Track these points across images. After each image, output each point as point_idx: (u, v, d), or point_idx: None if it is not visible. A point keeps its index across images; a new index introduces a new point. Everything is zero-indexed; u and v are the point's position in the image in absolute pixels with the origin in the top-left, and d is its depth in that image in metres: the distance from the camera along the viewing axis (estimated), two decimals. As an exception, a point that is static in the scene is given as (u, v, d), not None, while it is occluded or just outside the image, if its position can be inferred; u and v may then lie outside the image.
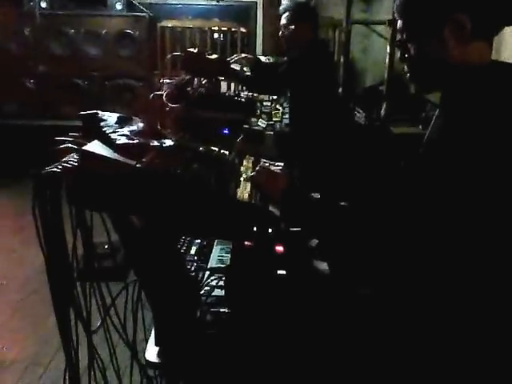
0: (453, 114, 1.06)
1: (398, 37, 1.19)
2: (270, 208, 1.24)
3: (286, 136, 3.02)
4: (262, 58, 3.91)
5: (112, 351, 1.41)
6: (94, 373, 1.31)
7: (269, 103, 3.35)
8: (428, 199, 1.00)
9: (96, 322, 1.31)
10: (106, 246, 2.07)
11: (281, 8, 3.22)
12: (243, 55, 3.27)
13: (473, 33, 1.06)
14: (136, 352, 1.36)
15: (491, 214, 0.97)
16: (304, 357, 1.18)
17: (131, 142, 1.18)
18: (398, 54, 1.22)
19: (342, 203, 1.22)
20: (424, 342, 1.10)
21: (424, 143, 1.16)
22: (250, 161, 1.60)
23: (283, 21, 3.15)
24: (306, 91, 2.88)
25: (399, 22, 1.15)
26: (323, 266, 1.34)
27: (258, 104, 3.19)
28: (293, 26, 3.09)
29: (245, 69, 3.29)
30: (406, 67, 1.18)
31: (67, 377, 1.25)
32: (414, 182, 1.05)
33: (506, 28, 1.10)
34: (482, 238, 0.98)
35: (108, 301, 1.33)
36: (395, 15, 1.17)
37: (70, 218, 1.15)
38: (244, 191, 1.29)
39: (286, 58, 3.58)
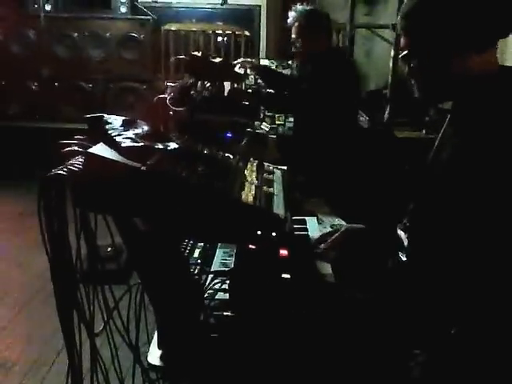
0: (470, 124, 1.07)
1: (404, 51, 1.19)
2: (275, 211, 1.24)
3: (290, 141, 3.00)
4: (266, 62, 3.91)
5: (114, 354, 1.41)
6: (97, 375, 1.31)
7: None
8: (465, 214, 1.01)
9: (99, 325, 1.31)
10: (109, 249, 2.08)
11: (289, 20, 2.96)
12: (248, 59, 3.21)
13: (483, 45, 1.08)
14: (138, 355, 1.36)
15: None
16: (307, 360, 1.18)
17: (136, 144, 1.18)
18: (402, 68, 1.22)
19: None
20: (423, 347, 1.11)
21: (434, 151, 1.17)
22: (254, 164, 1.61)
23: (293, 34, 2.93)
24: (328, 105, 2.72)
25: (404, 39, 1.16)
26: (327, 269, 1.34)
27: (262, 108, 3.20)
28: (305, 39, 2.89)
29: (257, 78, 3.21)
30: (413, 81, 1.18)
31: (70, 379, 1.25)
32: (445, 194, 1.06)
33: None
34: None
35: (111, 303, 1.34)
36: (399, 26, 1.16)
37: (75, 221, 1.16)
38: (248, 194, 1.29)
39: (294, 64, 3.51)
